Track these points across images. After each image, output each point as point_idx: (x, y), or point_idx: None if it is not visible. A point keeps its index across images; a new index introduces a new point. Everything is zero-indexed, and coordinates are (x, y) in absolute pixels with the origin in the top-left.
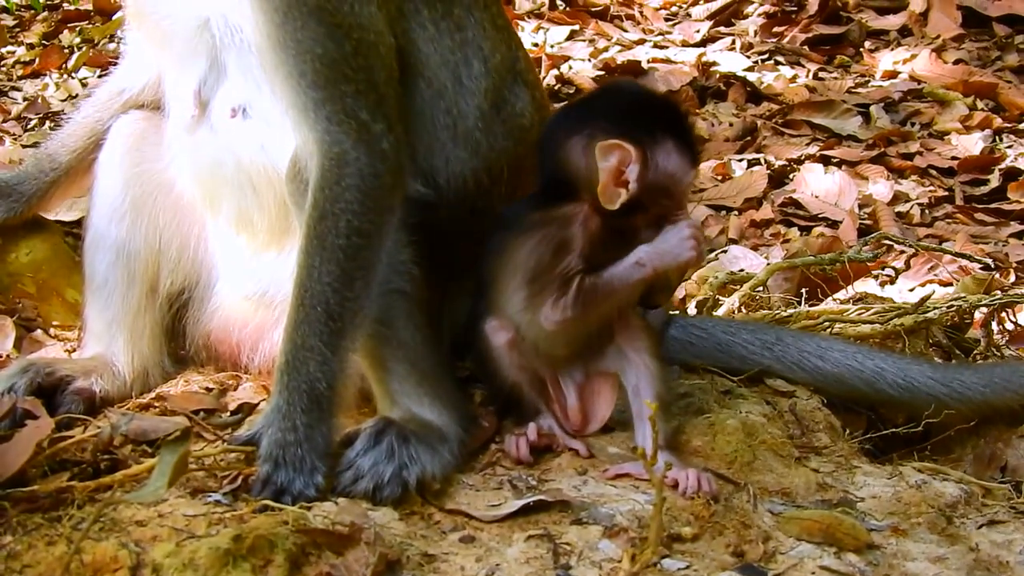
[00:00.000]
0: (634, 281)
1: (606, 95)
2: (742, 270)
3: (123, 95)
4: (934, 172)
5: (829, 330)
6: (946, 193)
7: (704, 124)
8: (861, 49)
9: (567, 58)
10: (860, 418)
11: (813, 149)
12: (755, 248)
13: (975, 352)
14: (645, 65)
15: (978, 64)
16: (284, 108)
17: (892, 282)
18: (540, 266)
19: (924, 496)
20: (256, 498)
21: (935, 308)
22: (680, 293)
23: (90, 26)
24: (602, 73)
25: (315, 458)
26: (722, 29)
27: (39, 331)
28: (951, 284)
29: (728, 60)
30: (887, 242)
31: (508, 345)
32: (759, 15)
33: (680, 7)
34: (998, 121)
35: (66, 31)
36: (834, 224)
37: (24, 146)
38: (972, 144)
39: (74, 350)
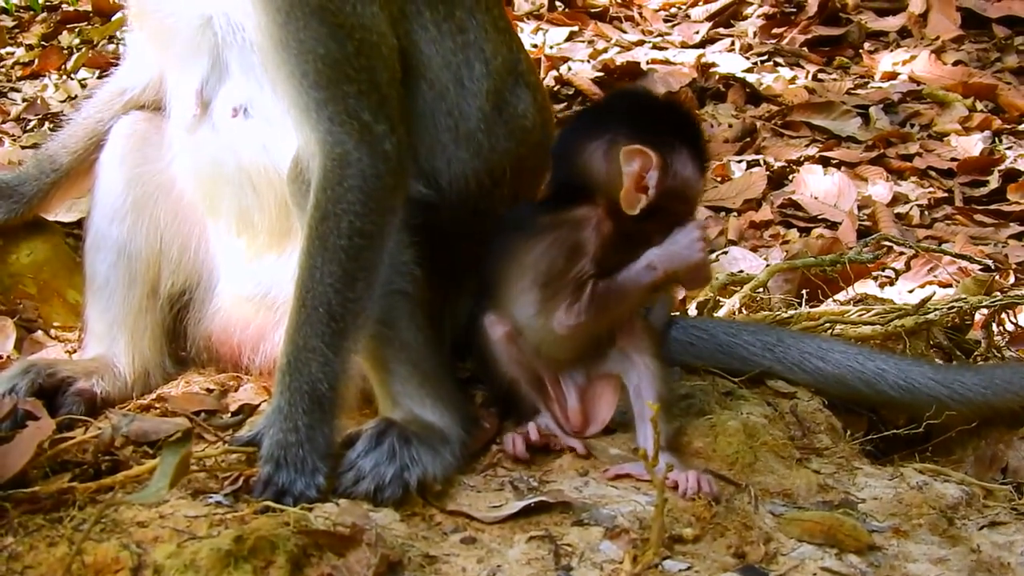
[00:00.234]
0: (646, 284)
1: (625, 101)
2: (742, 271)
3: (124, 95)
4: (933, 173)
5: (830, 331)
6: (946, 194)
7: (704, 125)
8: (860, 50)
9: (566, 59)
10: (861, 419)
11: (812, 150)
12: (754, 249)
13: (976, 353)
14: (644, 66)
15: (977, 65)
16: (286, 108)
17: (892, 283)
18: (553, 270)
19: (925, 497)
20: (257, 499)
21: (936, 309)
22: (680, 294)
23: (89, 27)
24: (601, 74)
25: (316, 459)
26: (721, 30)
27: (40, 332)
28: (951, 285)
29: (727, 61)
30: (887, 243)
31: (506, 339)
32: (758, 16)
33: (679, 8)
34: (997, 122)
35: (65, 32)
36: (833, 225)
37: (23, 147)
38: (971, 145)
39: (75, 351)
